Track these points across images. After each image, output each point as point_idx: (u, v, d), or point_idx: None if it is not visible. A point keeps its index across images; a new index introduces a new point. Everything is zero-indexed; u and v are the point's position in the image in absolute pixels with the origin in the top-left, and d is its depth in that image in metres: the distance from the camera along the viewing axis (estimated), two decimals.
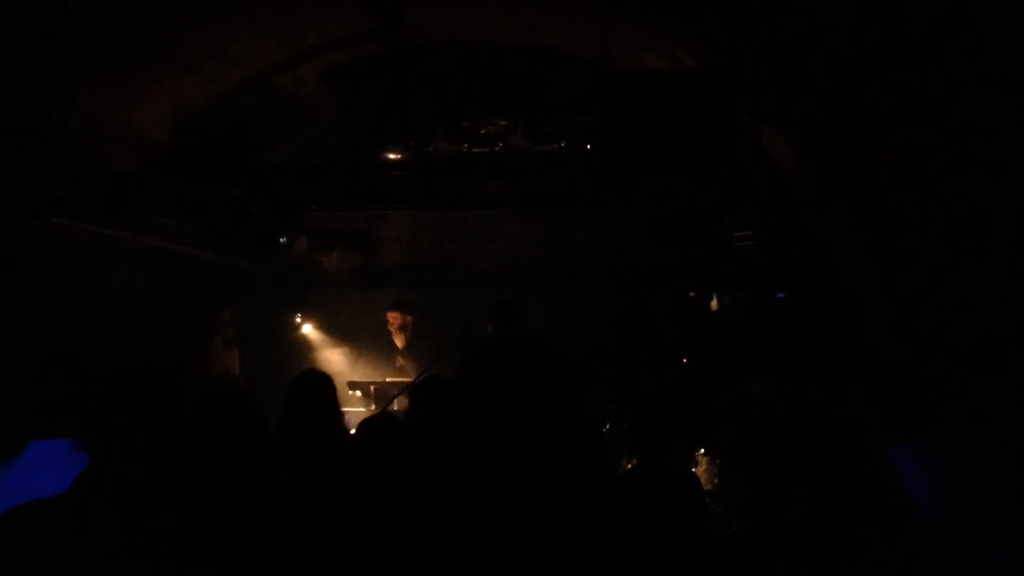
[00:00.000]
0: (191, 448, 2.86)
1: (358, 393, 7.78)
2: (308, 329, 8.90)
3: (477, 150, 6.80)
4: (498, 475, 1.79)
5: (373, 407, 7.38)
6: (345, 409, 8.49)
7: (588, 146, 6.24)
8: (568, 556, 1.73)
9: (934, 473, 2.75)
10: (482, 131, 6.83)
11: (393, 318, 8.13)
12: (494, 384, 1.82)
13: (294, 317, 8.88)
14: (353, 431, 3.58)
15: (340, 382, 8.41)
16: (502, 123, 6.79)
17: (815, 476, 2.43)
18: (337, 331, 8.88)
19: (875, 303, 5.32)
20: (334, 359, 8.74)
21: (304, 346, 8.90)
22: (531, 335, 1.88)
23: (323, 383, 4.05)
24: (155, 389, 2.23)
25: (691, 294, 7.41)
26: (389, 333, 8.29)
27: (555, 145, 6.72)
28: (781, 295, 6.73)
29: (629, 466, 4.66)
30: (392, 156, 6.79)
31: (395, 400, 6.34)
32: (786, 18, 4.37)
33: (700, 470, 5.17)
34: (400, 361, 8.12)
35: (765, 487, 2.66)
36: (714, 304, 7.21)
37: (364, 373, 8.36)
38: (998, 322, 3.51)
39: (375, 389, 7.68)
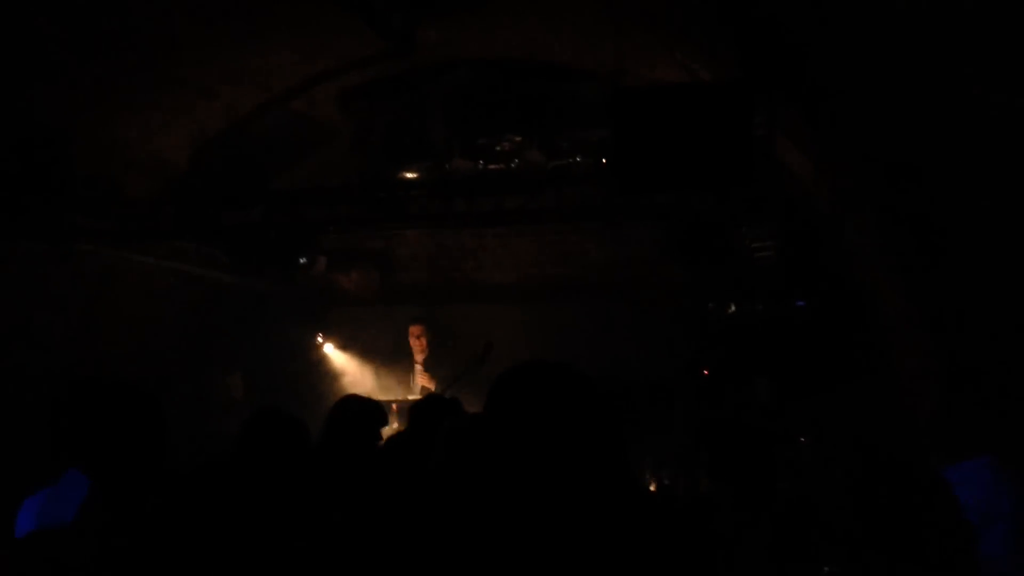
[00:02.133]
0: (237, 468, 2.89)
1: None
2: (329, 349, 8.93)
3: (493, 166, 6.81)
4: (524, 497, 1.80)
5: (396, 425, 7.39)
6: None
7: (604, 160, 6.25)
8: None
9: (1005, 485, 2.71)
10: (497, 148, 6.84)
11: (415, 331, 8.17)
12: (519, 407, 1.82)
13: (315, 337, 8.91)
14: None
15: None
16: (517, 139, 6.79)
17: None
18: (358, 350, 8.91)
19: (897, 313, 5.29)
20: (355, 378, 8.77)
21: (326, 366, 8.93)
22: (552, 359, 1.89)
23: (372, 408, 4.04)
24: (138, 413, 2.22)
25: (710, 305, 7.39)
26: (409, 349, 8.33)
27: (570, 160, 6.72)
28: (801, 303, 6.71)
29: (653, 484, 4.66)
30: (409, 175, 6.81)
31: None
32: (801, 30, 4.36)
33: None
34: (419, 376, 8.14)
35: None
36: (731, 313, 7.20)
37: (385, 392, 8.39)
38: None
39: (397, 407, 7.70)
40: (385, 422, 4.12)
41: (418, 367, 8.33)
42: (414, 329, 8.28)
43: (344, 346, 8.95)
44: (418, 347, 8.28)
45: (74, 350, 6.71)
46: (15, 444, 5.00)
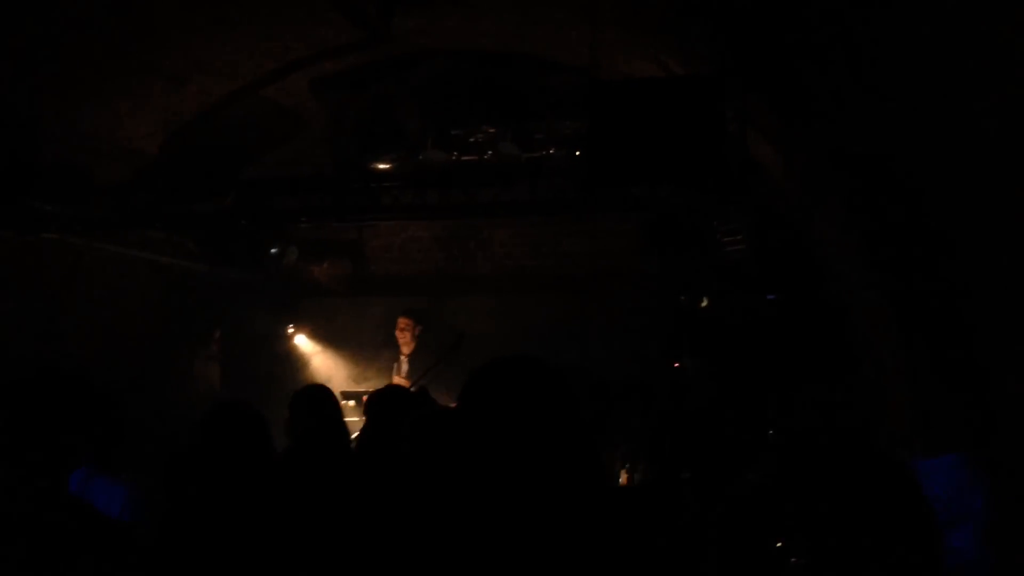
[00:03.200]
0: (197, 463, 2.85)
1: (352, 403, 7.78)
2: (301, 339, 8.89)
3: (467, 158, 6.79)
4: (496, 490, 1.80)
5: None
6: None
7: (577, 153, 6.25)
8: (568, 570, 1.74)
9: (977, 483, 2.74)
10: (471, 139, 6.82)
11: (402, 323, 8.13)
12: (492, 403, 1.83)
13: (286, 327, 8.87)
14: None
15: (334, 390, 8.45)
16: (491, 131, 6.77)
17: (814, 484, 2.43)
18: (329, 341, 8.88)
19: (869, 307, 5.34)
20: (326, 369, 8.74)
21: (297, 356, 8.89)
22: (526, 354, 1.90)
23: (327, 396, 4.04)
24: (56, 400, 2.15)
25: (681, 298, 7.43)
26: (390, 340, 8.30)
27: (544, 152, 6.72)
28: (771, 296, 6.75)
29: (625, 476, 4.68)
30: (382, 166, 6.78)
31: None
32: (772, 24, 4.39)
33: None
34: (404, 367, 8.12)
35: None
36: (704, 306, 7.24)
37: (357, 383, 8.37)
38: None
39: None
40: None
41: (403, 358, 8.31)
42: (401, 321, 8.25)
43: (315, 337, 8.92)
44: (403, 339, 8.25)
45: (41, 341, 6.63)
46: None
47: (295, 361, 8.84)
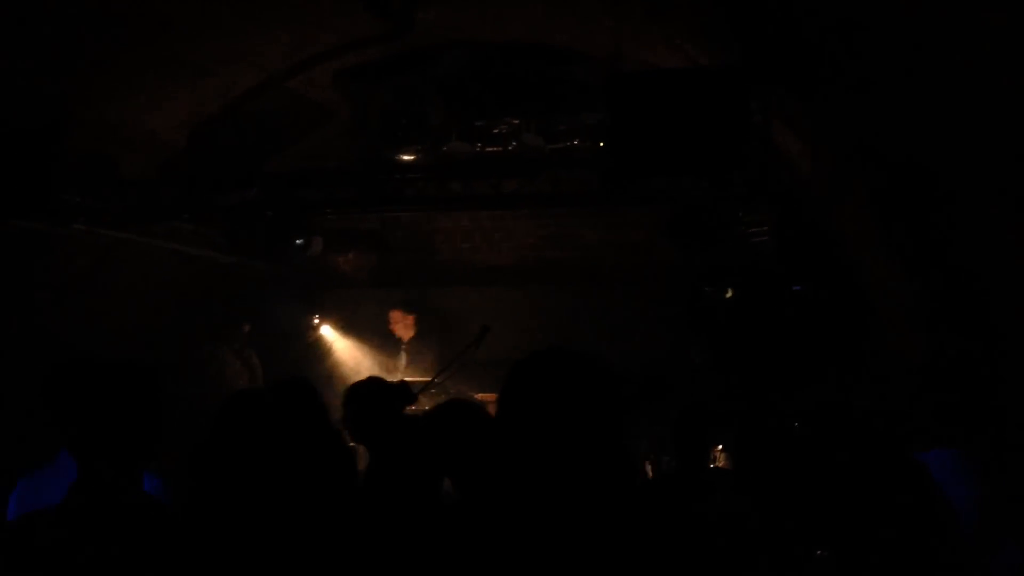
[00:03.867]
0: (213, 454, 2.86)
1: None
2: (326, 330, 8.95)
3: (491, 149, 6.80)
4: (531, 484, 1.81)
5: None
6: None
7: (601, 144, 6.24)
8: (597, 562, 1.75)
9: (966, 480, 2.73)
10: (495, 130, 6.83)
11: (396, 317, 8.21)
12: (537, 395, 1.84)
13: (312, 318, 8.92)
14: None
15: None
16: (515, 122, 6.78)
17: (832, 476, 2.42)
18: (354, 332, 8.92)
19: (891, 299, 5.31)
20: (352, 360, 8.79)
21: (322, 347, 8.94)
22: (572, 348, 1.90)
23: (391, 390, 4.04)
24: (136, 392, 2.18)
25: (706, 290, 7.40)
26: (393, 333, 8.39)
27: (568, 143, 6.71)
28: (797, 287, 6.71)
29: (649, 467, 4.68)
30: (406, 157, 6.80)
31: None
32: (798, 14, 4.35)
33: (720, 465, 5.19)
34: (403, 361, 8.18)
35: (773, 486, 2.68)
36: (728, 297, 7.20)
37: (382, 373, 8.40)
38: None
39: None
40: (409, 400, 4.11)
41: (402, 352, 8.37)
42: (393, 315, 8.33)
43: (340, 327, 8.97)
44: (400, 331, 8.33)
45: (71, 331, 6.71)
46: (11, 424, 5.02)
47: (320, 352, 8.90)
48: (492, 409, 2.20)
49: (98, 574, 1.94)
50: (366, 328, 8.85)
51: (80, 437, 2.08)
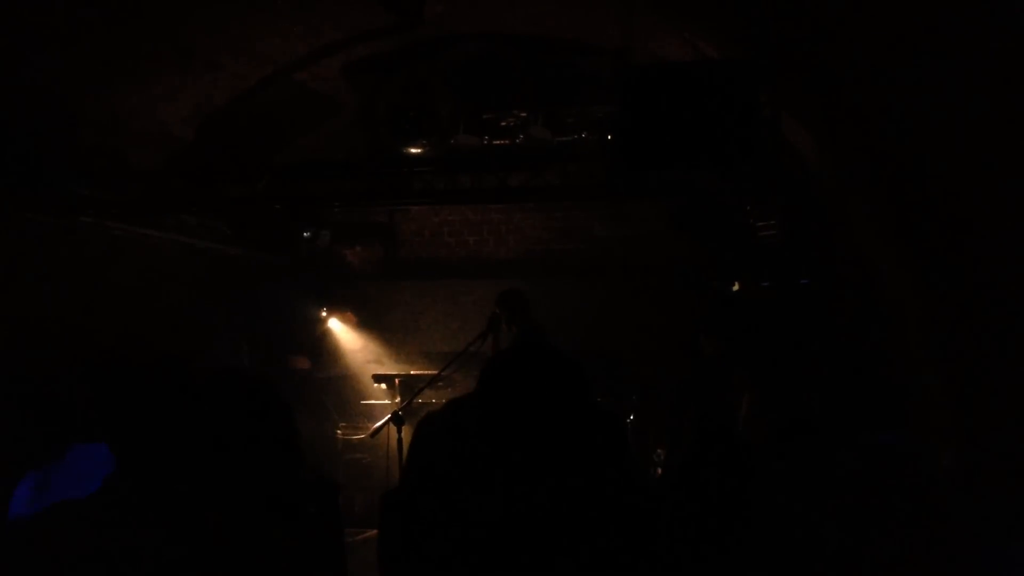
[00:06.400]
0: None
1: (383, 386, 7.83)
2: (334, 322, 8.96)
3: (498, 142, 6.79)
4: (520, 474, 1.82)
5: (398, 399, 7.44)
6: (370, 402, 8.59)
7: (609, 137, 6.23)
8: (593, 551, 1.76)
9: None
10: (503, 123, 6.82)
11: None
12: (510, 392, 1.86)
13: (320, 311, 8.94)
14: None
15: (366, 374, 8.49)
16: (523, 115, 6.77)
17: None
18: (362, 324, 8.93)
19: (900, 292, 5.29)
20: (361, 352, 8.80)
21: (330, 339, 8.96)
22: (537, 343, 1.95)
23: None
24: (165, 387, 2.20)
25: (714, 283, 7.39)
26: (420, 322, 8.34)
27: (576, 136, 6.70)
28: (804, 281, 6.71)
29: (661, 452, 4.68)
30: (414, 150, 6.80)
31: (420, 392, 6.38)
32: (807, 7, 4.34)
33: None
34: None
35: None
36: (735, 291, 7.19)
37: (389, 366, 8.43)
38: None
39: (400, 382, 7.73)
40: None
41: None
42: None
43: (348, 320, 8.98)
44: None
45: (79, 324, 6.73)
46: (17, 418, 5.03)
47: (329, 344, 8.91)
48: None
49: (135, 564, 1.95)
50: (374, 320, 8.87)
51: (121, 431, 2.09)
